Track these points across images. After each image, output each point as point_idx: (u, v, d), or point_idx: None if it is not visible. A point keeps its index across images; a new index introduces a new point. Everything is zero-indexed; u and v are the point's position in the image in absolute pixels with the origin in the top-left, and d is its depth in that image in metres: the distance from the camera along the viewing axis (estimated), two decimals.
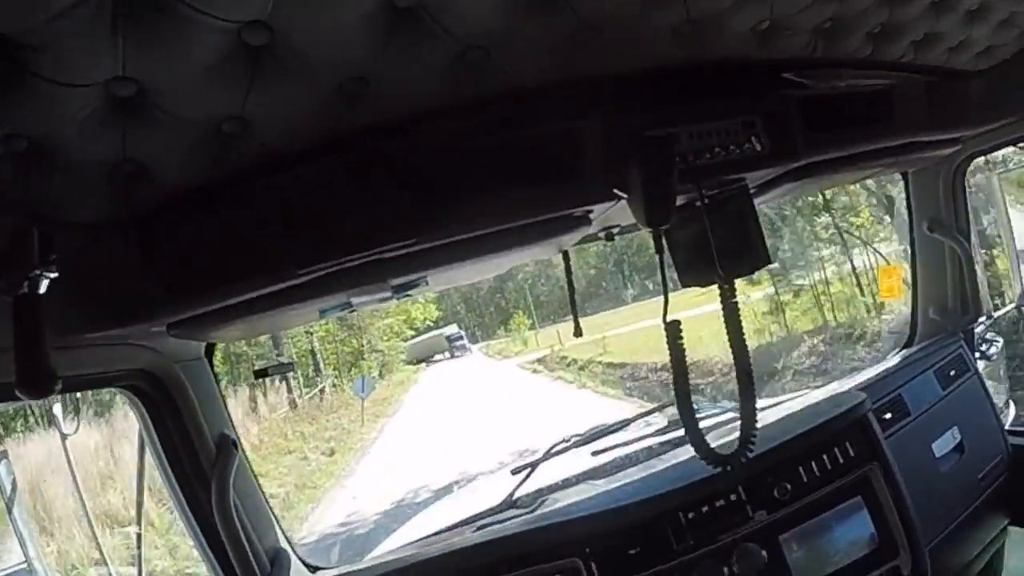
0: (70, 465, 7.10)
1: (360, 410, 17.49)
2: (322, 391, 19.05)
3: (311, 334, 19.62)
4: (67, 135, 0.81)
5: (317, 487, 11.06)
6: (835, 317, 11.77)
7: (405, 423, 16.42)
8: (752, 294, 12.52)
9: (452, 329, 33.00)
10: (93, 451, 8.73)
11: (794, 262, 12.71)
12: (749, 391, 1.26)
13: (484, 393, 16.98)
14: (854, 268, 11.67)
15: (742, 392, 1.26)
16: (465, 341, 32.60)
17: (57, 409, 5.38)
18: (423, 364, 30.77)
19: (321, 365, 20.62)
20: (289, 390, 16.69)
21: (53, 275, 0.83)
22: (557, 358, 21.74)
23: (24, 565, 5.05)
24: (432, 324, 33.58)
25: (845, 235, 11.46)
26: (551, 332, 25.40)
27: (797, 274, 12.73)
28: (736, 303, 1.23)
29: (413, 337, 31.89)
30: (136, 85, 0.77)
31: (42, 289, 0.83)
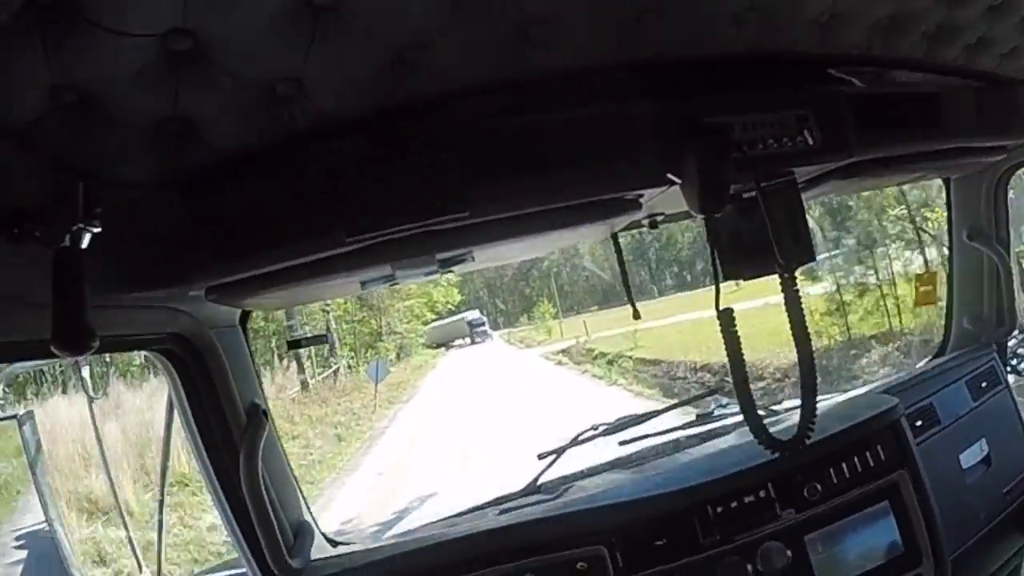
0: (96, 431, 7.23)
1: (374, 394, 17.14)
2: (336, 372, 18.59)
3: (326, 312, 18.98)
4: (118, 88, 0.81)
5: (315, 482, 10.48)
6: (902, 321, 10.74)
7: (419, 412, 15.86)
8: (809, 290, 11.74)
9: (474, 314, 32.82)
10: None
11: (859, 258, 11.94)
12: (811, 382, 1.29)
13: (506, 384, 16.22)
14: (928, 266, 10.74)
15: (803, 382, 1.30)
16: (487, 327, 32.51)
17: (85, 372, 5.81)
18: (442, 348, 30.65)
19: (336, 345, 19.95)
20: (301, 370, 16.28)
21: (96, 230, 0.82)
22: (583, 350, 20.79)
23: (44, 525, 5.16)
24: (454, 308, 33.26)
25: (921, 231, 10.72)
26: (576, 322, 24.55)
27: (862, 271, 11.90)
28: (798, 292, 1.27)
29: (434, 320, 31.29)
30: (193, 39, 0.77)
31: (84, 244, 0.81)
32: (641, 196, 1.34)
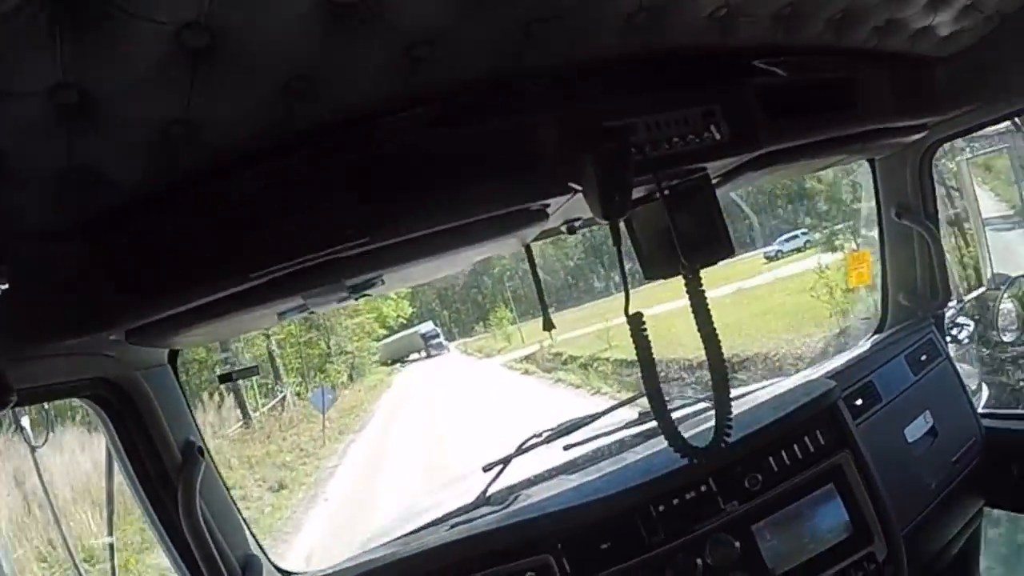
0: (41, 479, 7.15)
1: (322, 426, 16.32)
2: (283, 401, 17.73)
3: (268, 336, 18.18)
4: (12, 144, 0.83)
5: None
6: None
7: (374, 443, 14.80)
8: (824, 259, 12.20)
9: (427, 327, 32.33)
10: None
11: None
12: (723, 382, 1.30)
13: (468, 400, 15.43)
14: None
15: (715, 383, 1.30)
16: (442, 339, 32.03)
17: (25, 421, 5.82)
18: (398, 365, 30.12)
19: (281, 371, 18.94)
20: (240, 404, 15.28)
21: (4, 286, 0.84)
22: (549, 355, 19.81)
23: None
24: (406, 322, 32.74)
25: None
26: (537, 326, 23.59)
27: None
28: (703, 293, 1.27)
29: (385, 336, 30.60)
30: (78, 92, 0.79)
31: None
32: (547, 206, 1.34)
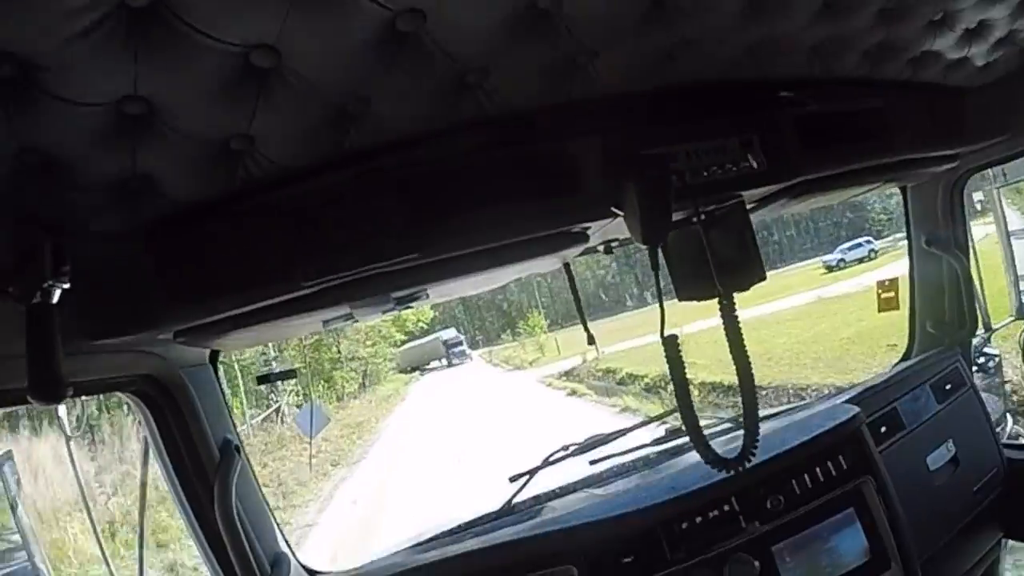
0: (74, 467, 7.61)
1: (336, 432, 15.60)
2: (278, 412, 16.67)
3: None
4: (79, 151, 0.92)
5: None
6: None
7: (372, 480, 12.40)
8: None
9: (450, 333, 32.17)
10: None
11: None
12: (752, 399, 1.44)
13: (503, 428, 12.54)
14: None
15: (745, 399, 1.44)
16: (465, 347, 31.78)
17: (62, 411, 6.41)
18: (416, 373, 29.79)
19: (279, 383, 17.12)
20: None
21: (65, 286, 0.93)
22: (597, 371, 17.87)
23: (27, 564, 5.40)
24: (426, 327, 32.26)
25: None
26: (569, 336, 22.08)
27: None
28: (736, 317, 1.40)
29: (404, 342, 30.39)
30: (146, 104, 0.88)
31: (55, 299, 0.93)
32: (588, 228, 1.46)
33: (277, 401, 17.00)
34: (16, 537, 6.04)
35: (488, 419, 14.64)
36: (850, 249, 20.58)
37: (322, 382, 20.53)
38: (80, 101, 0.84)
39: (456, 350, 31.22)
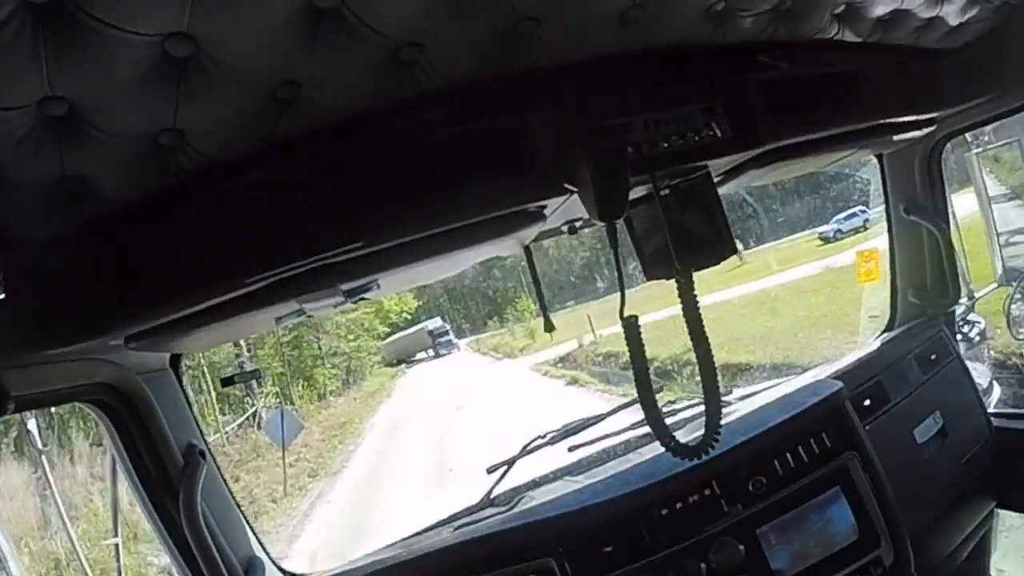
0: (48, 480, 7.58)
1: (317, 435, 14.96)
2: (255, 417, 15.70)
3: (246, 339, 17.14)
4: (5, 157, 0.91)
5: None
6: None
7: (354, 494, 11.55)
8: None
9: (435, 323, 31.97)
10: None
11: None
12: (713, 383, 1.40)
13: (501, 424, 10.91)
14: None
15: (705, 384, 1.40)
16: (451, 336, 31.68)
17: (32, 425, 6.12)
18: (403, 366, 29.63)
19: (253, 384, 16.76)
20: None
21: (0, 296, 0.91)
22: (597, 356, 16.82)
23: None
24: (410, 317, 31.92)
25: None
26: (565, 319, 19.93)
27: None
28: (695, 296, 1.34)
29: (387, 334, 29.77)
30: (67, 104, 0.87)
31: None
32: (544, 207, 1.41)
33: (253, 405, 15.98)
34: None
35: (481, 415, 13.86)
36: (846, 219, 20.11)
37: (302, 381, 20.04)
38: None
39: (442, 340, 31.06)
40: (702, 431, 1.46)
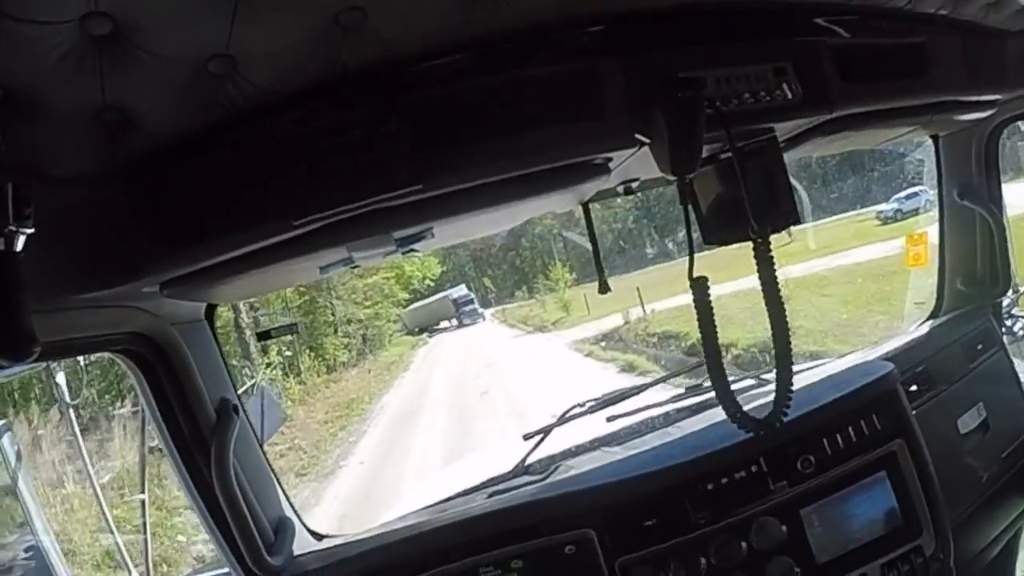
0: (75, 435, 7.56)
1: (320, 415, 12.84)
2: (253, 391, 13.41)
3: (251, 302, 14.61)
4: (43, 80, 0.87)
5: None
6: None
7: (348, 509, 9.50)
8: None
9: (460, 291, 30.62)
10: None
11: None
12: (786, 355, 1.37)
13: (528, 407, 10.05)
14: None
15: (779, 355, 1.37)
16: (476, 306, 30.43)
17: (61, 378, 6.21)
18: (425, 335, 28.39)
19: (253, 350, 14.71)
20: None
21: (29, 231, 0.87)
22: (651, 336, 14.36)
23: (31, 539, 5.36)
24: (433, 283, 29.77)
25: None
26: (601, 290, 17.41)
27: None
28: (772, 260, 1.33)
29: (408, 301, 28.39)
30: (111, 21, 0.82)
31: (18, 247, 0.86)
32: (610, 160, 1.39)
33: (252, 376, 13.66)
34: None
35: (511, 402, 11.64)
36: (907, 199, 18.74)
37: (307, 351, 17.44)
38: (38, 19, 0.78)
39: (467, 309, 29.75)
40: (750, 406, 1.44)
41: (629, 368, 13.14)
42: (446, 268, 30.73)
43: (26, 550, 5.60)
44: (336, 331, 20.17)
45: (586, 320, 18.83)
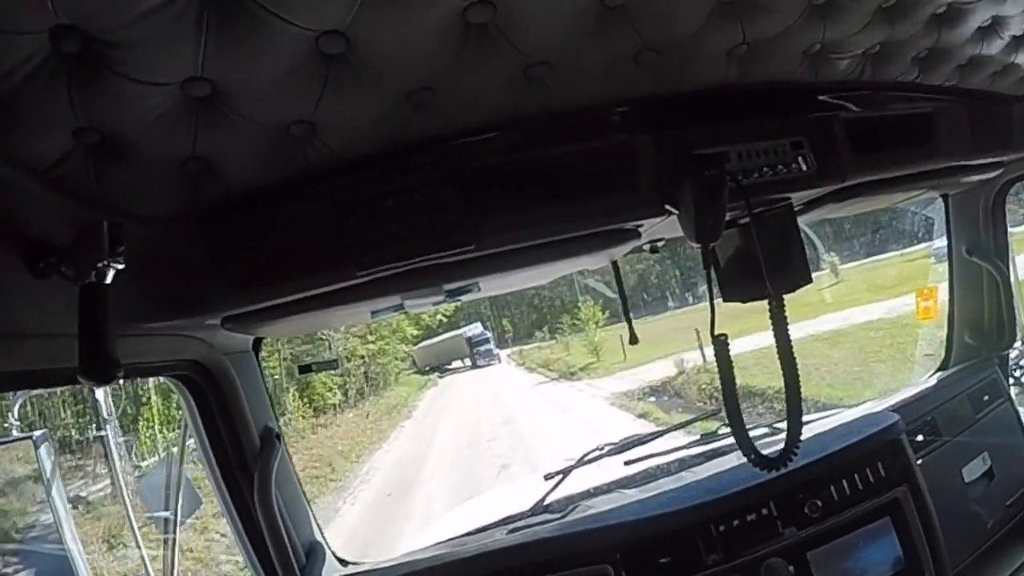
0: (107, 448, 7.69)
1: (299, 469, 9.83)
2: None
3: None
4: (140, 131, 0.95)
5: None
6: None
7: None
8: None
9: (475, 329, 28.44)
10: None
11: None
12: (796, 401, 1.47)
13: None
14: None
15: (789, 401, 1.47)
16: (492, 345, 28.19)
17: (100, 394, 7.16)
18: (435, 375, 26.19)
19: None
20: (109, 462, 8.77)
21: (120, 266, 0.93)
22: (714, 390, 11.15)
23: (60, 548, 5.32)
24: (445, 319, 27.24)
25: None
26: (641, 331, 13.90)
27: None
28: (785, 317, 1.44)
29: (418, 337, 26.13)
30: (211, 86, 0.91)
31: (108, 279, 0.92)
32: (640, 226, 1.52)
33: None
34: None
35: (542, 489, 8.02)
36: None
37: (291, 391, 14.47)
38: (145, 80, 0.87)
39: (482, 349, 27.73)
40: (765, 451, 1.54)
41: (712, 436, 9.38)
42: (461, 304, 28.13)
43: (53, 557, 5.44)
44: (335, 369, 17.30)
45: (622, 366, 15.69)
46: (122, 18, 0.74)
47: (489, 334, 29.65)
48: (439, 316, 26.97)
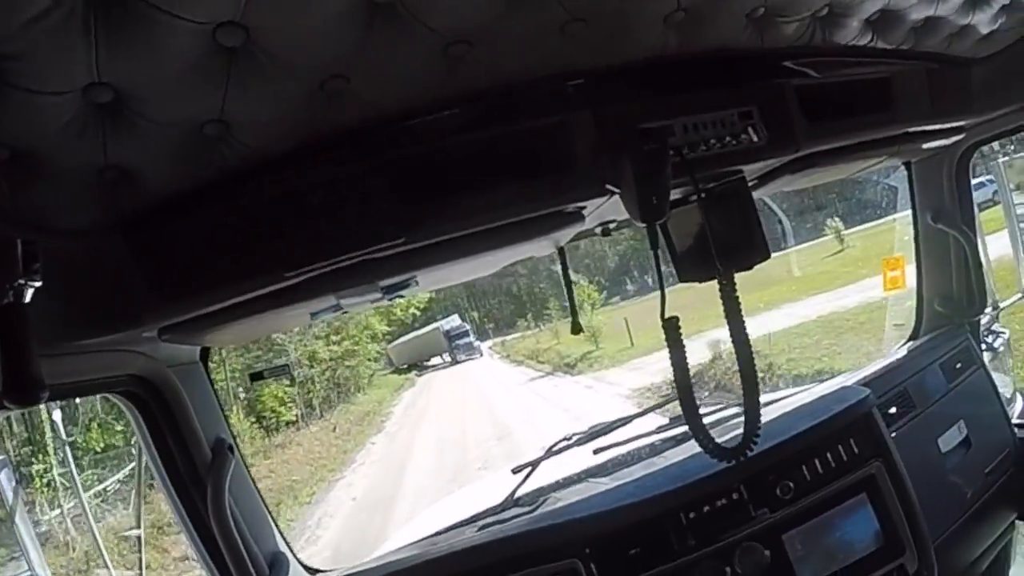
0: (71, 471, 7.37)
1: None
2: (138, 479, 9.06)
3: None
4: (48, 143, 0.93)
5: None
6: None
7: None
8: None
9: (453, 322, 26.95)
10: None
11: None
12: (753, 385, 1.46)
13: None
14: None
15: (745, 386, 1.46)
16: (472, 338, 26.52)
17: (57, 416, 6.72)
18: (413, 373, 24.54)
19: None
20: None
21: (37, 284, 0.92)
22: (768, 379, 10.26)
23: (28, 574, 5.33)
24: (418, 313, 26.39)
25: None
26: (648, 314, 11.92)
27: None
28: (737, 297, 1.41)
29: (391, 334, 24.57)
30: (113, 91, 0.88)
31: (26, 298, 0.92)
32: (583, 208, 1.48)
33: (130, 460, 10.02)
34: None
35: None
36: (974, 189, 14.22)
37: (235, 409, 11.94)
38: (43, 90, 0.83)
39: (461, 342, 26.09)
40: (731, 434, 1.54)
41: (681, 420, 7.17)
42: (435, 295, 26.28)
43: None
44: (292, 380, 14.50)
45: (631, 354, 13.35)
46: (7, 28, 0.73)
47: (468, 326, 28.15)
48: (412, 310, 26.19)
